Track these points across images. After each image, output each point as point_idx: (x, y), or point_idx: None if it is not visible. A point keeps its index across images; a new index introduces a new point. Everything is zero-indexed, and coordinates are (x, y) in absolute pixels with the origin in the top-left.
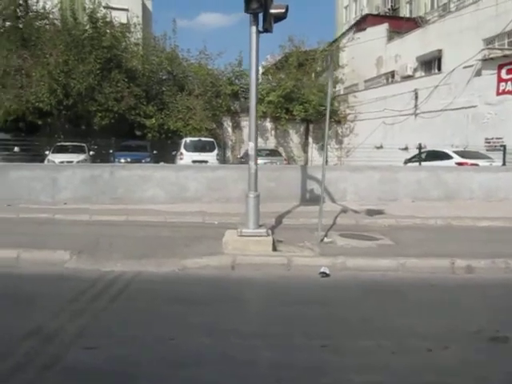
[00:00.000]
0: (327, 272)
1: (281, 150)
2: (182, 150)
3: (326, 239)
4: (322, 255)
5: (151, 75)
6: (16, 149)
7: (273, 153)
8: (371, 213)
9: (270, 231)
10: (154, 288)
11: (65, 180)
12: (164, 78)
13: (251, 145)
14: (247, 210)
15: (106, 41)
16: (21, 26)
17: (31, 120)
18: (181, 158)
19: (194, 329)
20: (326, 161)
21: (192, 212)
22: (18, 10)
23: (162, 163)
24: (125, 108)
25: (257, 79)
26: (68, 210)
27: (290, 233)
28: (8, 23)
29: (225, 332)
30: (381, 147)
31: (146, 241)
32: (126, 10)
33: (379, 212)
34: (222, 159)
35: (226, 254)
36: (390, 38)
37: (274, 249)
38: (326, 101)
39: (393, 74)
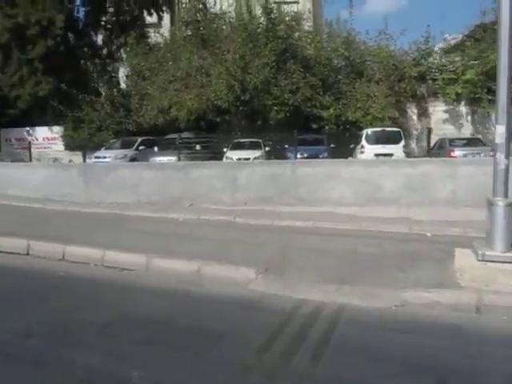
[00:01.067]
0: None
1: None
2: (363, 142)
3: None
4: None
5: (327, 63)
6: (197, 147)
7: (473, 142)
8: None
9: None
10: (367, 336)
11: (245, 178)
12: (340, 65)
13: (500, 129)
14: (492, 225)
15: (280, 31)
16: (201, 28)
17: (211, 118)
18: (361, 152)
19: None
20: None
21: (392, 218)
22: (198, 15)
23: (350, 158)
24: (300, 100)
25: None
26: (248, 211)
27: None
28: (190, 28)
29: None
30: None
31: (343, 257)
32: (297, 2)
33: None
34: (411, 152)
35: (464, 288)
36: None
37: None
38: None
39: None
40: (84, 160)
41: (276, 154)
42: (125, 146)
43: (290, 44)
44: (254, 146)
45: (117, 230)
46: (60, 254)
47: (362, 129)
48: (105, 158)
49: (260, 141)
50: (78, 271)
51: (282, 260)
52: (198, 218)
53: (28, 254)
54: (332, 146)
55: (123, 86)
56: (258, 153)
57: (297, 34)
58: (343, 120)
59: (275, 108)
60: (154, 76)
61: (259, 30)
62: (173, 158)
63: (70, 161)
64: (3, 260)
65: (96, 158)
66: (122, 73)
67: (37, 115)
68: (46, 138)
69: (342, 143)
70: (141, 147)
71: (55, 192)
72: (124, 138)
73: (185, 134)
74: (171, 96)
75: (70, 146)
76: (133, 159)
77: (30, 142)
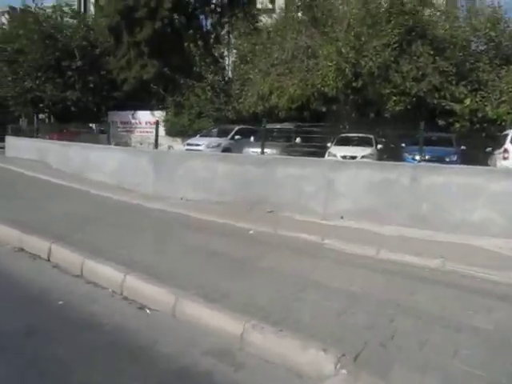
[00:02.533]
0: None
1: None
2: (508, 145)
3: None
4: None
5: (464, 45)
6: (297, 139)
7: None
8: None
9: None
10: None
11: (344, 183)
12: (481, 48)
13: None
14: None
15: (408, 4)
16: (314, 8)
17: (315, 108)
18: (505, 158)
19: None
20: None
21: None
22: None
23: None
24: (426, 89)
25: None
26: (344, 230)
27: None
28: (301, 8)
29: None
30: None
31: (501, 346)
32: None
33: None
34: None
35: None
36: None
37: None
38: None
39: None
40: None
41: (390, 153)
42: (221, 134)
43: (418, 21)
44: (363, 143)
45: (165, 239)
46: (78, 269)
47: (504, 128)
48: (197, 145)
49: (371, 137)
50: (78, 300)
51: (389, 340)
52: (273, 233)
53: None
54: (462, 147)
55: (228, 73)
56: (367, 150)
57: (428, 10)
58: (480, 116)
59: (393, 98)
60: (257, 59)
61: (380, 6)
62: (268, 151)
63: (170, 147)
64: None
65: (188, 145)
66: (228, 59)
67: (141, 99)
68: (148, 122)
69: (475, 146)
70: (236, 136)
71: (128, 180)
72: (221, 125)
73: (285, 125)
74: (273, 81)
75: (170, 132)
76: (226, 149)
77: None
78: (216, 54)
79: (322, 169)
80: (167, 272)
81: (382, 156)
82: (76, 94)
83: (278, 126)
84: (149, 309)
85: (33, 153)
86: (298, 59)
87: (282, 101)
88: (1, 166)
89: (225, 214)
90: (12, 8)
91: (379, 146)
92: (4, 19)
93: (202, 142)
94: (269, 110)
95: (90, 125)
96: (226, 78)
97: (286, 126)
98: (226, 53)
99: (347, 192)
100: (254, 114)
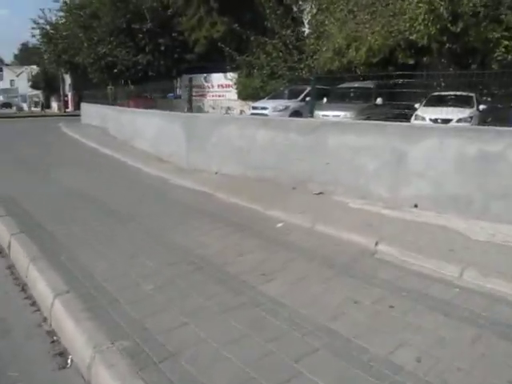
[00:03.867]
0: None
1: None
2: None
3: None
4: None
5: None
6: (378, 100)
7: None
8: None
9: None
10: None
11: (421, 158)
12: None
13: None
14: None
15: None
16: None
17: (402, 61)
18: None
19: None
20: None
21: None
22: None
23: None
24: None
25: None
26: (416, 228)
27: None
28: None
29: None
30: None
31: None
32: None
33: None
34: None
35: None
36: None
37: None
38: None
39: None
40: None
41: (496, 116)
42: (291, 96)
43: None
44: (461, 103)
45: (162, 234)
46: None
47: None
48: (263, 109)
49: (472, 95)
50: None
51: None
52: (309, 229)
53: None
54: None
55: (304, 26)
56: (465, 112)
57: None
58: None
59: (505, 43)
60: (333, 7)
61: None
62: (341, 114)
63: (242, 112)
64: None
65: (253, 108)
66: (303, 11)
67: (213, 60)
68: (221, 85)
69: None
70: (308, 98)
71: (163, 149)
72: (291, 86)
73: (365, 83)
74: (350, 31)
75: (242, 95)
76: (295, 112)
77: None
78: (295, 9)
79: (391, 137)
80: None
81: (485, 119)
82: (147, 57)
83: (357, 84)
84: None
85: (98, 119)
86: (380, 1)
87: (360, 53)
88: (64, 131)
89: (258, 196)
90: None
91: (482, 107)
92: None
93: (268, 105)
94: (346, 66)
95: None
96: (301, 32)
97: (366, 84)
98: (300, 1)
99: (425, 170)
100: (329, 71)
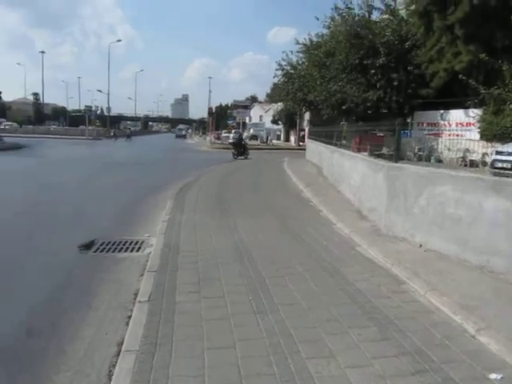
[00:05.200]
0: None
1: None
2: None
3: None
4: None
5: None
6: None
7: None
8: None
9: None
10: None
11: None
12: None
13: None
14: None
15: None
16: None
17: None
18: None
19: None
20: None
21: None
22: None
23: None
24: None
25: None
26: None
27: None
28: None
29: None
30: None
31: None
32: None
33: None
34: None
35: None
36: None
37: None
38: None
39: None
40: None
41: None
42: None
43: None
44: None
45: None
46: None
47: None
48: (510, 154)
49: None
50: None
51: None
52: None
53: None
54: None
55: None
56: None
57: None
58: None
59: None
60: None
61: None
62: None
63: (484, 155)
64: None
65: (497, 153)
66: None
67: (453, 95)
68: (460, 123)
69: None
70: None
71: (365, 201)
72: None
73: None
74: None
75: (486, 135)
76: None
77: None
78: None
79: None
80: None
81: None
82: (378, 93)
83: None
84: None
85: (316, 157)
86: None
87: None
88: (283, 166)
89: (478, 303)
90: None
91: None
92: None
93: None
94: None
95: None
96: None
97: None
98: None
99: None
100: None
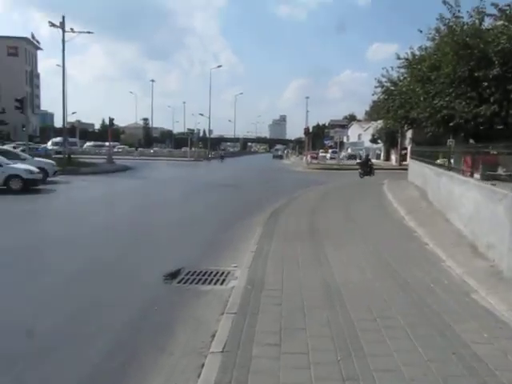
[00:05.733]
0: None
1: None
2: None
3: None
4: None
5: None
6: None
7: None
8: None
9: None
10: None
11: None
12: None
13: None
14: None
15: None
16: None
17: None
18: None
19: None
20: None
21: None
22: None
23: None
24: None
25: None
26: None
27: None
28: None
29: None
30: None
31: None
32: None
33: None
34: None
35: None
36: None
37: None
38: None
39: None
40: None
41: None
42: None
43: None
44: None
45: None
46: None
47: None
48: None
49: None
50: None
51: None
52: None
53: None
54: None
55: None
56: None
57: None
58: None
59: None
60: None
61: None
62: None
63: None
64: None
65: None
66: None
67: None
68: None
69: None
70: None
71: (480, 235)
72: None
73: None
74: None
75: None
76: None
77: None
78: None
79: None
80: None
81: None
82: (492, 107)
83: None
84: None
85: (420, 179)
86: None
87: None
88: (383, 189)
89: None
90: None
91: None
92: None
93: None
94: None
95: None
96: None
97: None
98: None
99: None
100: None
